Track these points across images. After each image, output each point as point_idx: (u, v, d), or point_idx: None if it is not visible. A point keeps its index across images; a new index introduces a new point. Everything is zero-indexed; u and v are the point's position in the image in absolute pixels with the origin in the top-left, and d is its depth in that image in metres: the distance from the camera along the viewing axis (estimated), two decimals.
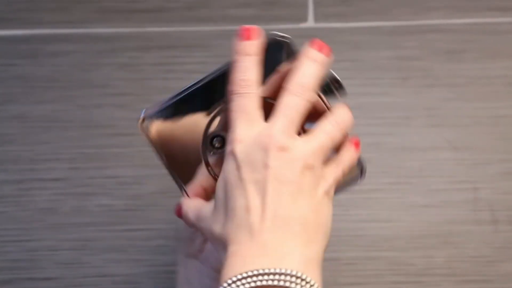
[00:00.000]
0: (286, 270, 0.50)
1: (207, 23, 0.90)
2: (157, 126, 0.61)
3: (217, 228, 0.55)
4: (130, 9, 0.91)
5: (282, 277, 0.49)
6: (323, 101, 0.60)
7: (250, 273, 0.50)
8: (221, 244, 0.54)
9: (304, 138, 0.55)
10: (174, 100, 0.61)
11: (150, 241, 0.80)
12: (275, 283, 0.49)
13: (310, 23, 0.90)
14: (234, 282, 0.50)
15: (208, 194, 0.61)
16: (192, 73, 0.87)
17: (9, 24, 0.90)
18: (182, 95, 0.61)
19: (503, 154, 0.84)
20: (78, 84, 0.87)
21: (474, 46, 0.88)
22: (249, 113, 0.55)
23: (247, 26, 0.58)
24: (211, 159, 0.61)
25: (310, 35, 0.89)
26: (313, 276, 0.51)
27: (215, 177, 0.61)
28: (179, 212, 0.61)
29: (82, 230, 0.81)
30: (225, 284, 0.50)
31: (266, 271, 0.50)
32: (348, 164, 0.59)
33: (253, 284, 0.49)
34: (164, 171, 0.61)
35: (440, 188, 0.82)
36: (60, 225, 0.81)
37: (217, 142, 0.60)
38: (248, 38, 0.58)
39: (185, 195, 0.61)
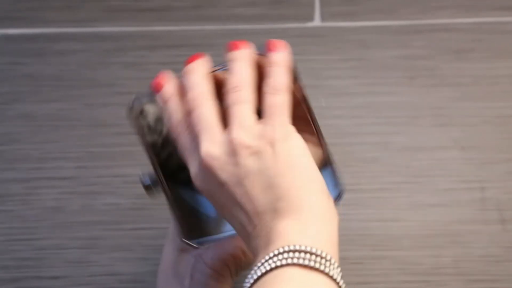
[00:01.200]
0: (279, 249, 0.50)
1: (213, 22, 0.90)
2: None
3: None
4: (136, 8, 0.91)
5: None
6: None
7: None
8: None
9: (227, 129, 0.56)
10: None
11: (157, 240, 0.80)
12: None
13: (317, 22, 0.90)
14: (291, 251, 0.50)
15: None
16: None
17: (16, 23, 0.90)
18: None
19: (510, 154, 0.84)
20: (85, 83, 0.87)
21: (481, 46, 0.88)
22: (187, 149, 0.57)
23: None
24: None
25: (316, 34, 0.89)
26: (314, 238, 0.52)
27: None
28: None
29: (90, 228, 0.81)
30: (286, 248, 0.50)
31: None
32: (280, 80, 0.58)
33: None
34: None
35: (447, 187, 0.82)
36: (68, 224, 0.81)
37: None
38: (157, 89, 0.60)
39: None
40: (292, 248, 0.50)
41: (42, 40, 0.89)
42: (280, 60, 0.58)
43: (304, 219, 0.52)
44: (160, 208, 0.81)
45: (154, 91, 0.60)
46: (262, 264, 0.50)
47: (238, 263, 0.67)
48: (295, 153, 0.54)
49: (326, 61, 0.88)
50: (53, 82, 0.88)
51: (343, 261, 0.79)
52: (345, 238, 0.80)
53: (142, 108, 0.62)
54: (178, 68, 0.87)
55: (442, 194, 0.82)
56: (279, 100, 0.56)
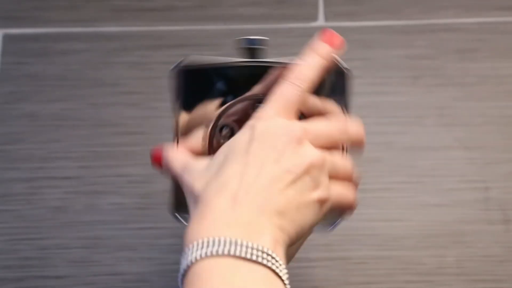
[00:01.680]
0: (258, 245, 0.49)
1: (217, 22, 0.90)
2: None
3: (199, 184, 0.54)
4: (140, 8, 0.91)
5: (254, 251, 0.49)
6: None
7: (223, 240, 0.49)
8: (196, 202, 0.53)
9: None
10: (214, 66, 0.60)
11: (161, 240, 0.80)
12: (248, 256, 0.49)
13: (320, 22, 0.90)
14: (205, 244, 0.49)
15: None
16: None
17: (20, 23, 0.90)
18: (226, 65, 0.60)
19: None
20: (88, 83, 0.87)
21: (485, 45, 0.88)
22: (286, 101, 0.56)
23: (332, 31, 0.60)
24: (215, 140, 0.60)
25: None
26: (280, 256, 0.51)
27: (209, 152, 0.60)
28: (157, 158, 0.60)
29: (93, 228, 0.81)
30: (195, 243, 0.49)
31: (239, 242, 0.49)
32: (352, 204, 0.59)
33: (226, 252, 0.48)
34: None
35: (451, 187, 0.82)
36: (71, 224, 0.81)
37: (225, 131, 0.60)
38: (329, 42, 0.59)
39: (175, 145, 0.60)
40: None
41: (45, 40, 0.89)
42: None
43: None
44: (164, 208, 0.81)
45: (325, 39, 0.60)
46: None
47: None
48: (310, 215, 0.55)
49: None
50: (57, 82, 0.88)
51: (347, 261, 0.79)
52: (349, 238, 0.80)
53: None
54: None
55: (445, 194, 0.82)
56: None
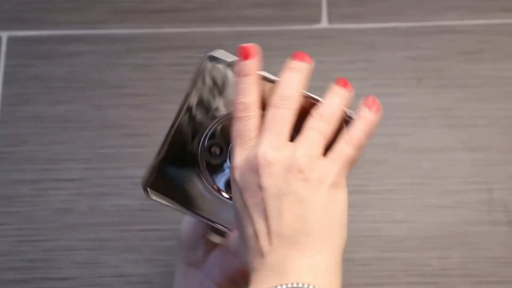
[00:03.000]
0: (292, 284, 0.51)
1: (222, 23, 0.90)
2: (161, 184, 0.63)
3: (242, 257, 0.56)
4: (145, 10, 0.91)
5: None
6: (313, 98, 0.59)
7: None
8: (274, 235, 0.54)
9: (293, 144, 0.55)
10: (159, 157, 0.63)
11: (165, 241, 0.80)
12: None
13: (324, 23, 0.90)
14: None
15: None
16: None
17: (25, 25, 0.90)
18: (163, 150, 0.63)
19: None
20: (94, 85, 0.88)
21: (489, 47, 0.88)
22: (243, 137, 0.56)
23: (245, 44, 0.58)
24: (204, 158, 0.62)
25: (324, 36, 0.89)
26: (326, 283, 0.52)
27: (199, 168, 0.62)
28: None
29: (98, 230, 0.81)
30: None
31: None
32: (359, 135, 0.58)
33: None
34: None
35: (455, 188, 0.82)
36: (76, 225, 0.82)
37: (216, 150, 0.62)
38: (246, 57, 0.58)
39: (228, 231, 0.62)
40: (305, 286, 0.50)
41: (51, 42, 0.90)
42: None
43: (320, 263, 0.53)
44: (168, 210, 0.82)
45: (240, 56, 0.58)
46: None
47: (247, 280, 0.67)
48: (338, 206, 0.55)
49: (333, 63, 0.88)
50: (62, 84, 0.88)
51: (351, 263, 0.79)
52: (353, 240, 0.80)
53: (214, 67, 0.60)
54: (187, 69, 0.87)
55: (449, 195, 0.82)
56: (345, 153, 0.56)
